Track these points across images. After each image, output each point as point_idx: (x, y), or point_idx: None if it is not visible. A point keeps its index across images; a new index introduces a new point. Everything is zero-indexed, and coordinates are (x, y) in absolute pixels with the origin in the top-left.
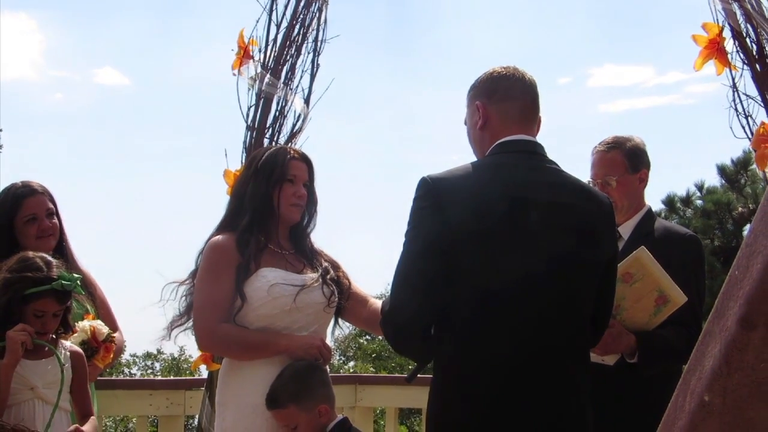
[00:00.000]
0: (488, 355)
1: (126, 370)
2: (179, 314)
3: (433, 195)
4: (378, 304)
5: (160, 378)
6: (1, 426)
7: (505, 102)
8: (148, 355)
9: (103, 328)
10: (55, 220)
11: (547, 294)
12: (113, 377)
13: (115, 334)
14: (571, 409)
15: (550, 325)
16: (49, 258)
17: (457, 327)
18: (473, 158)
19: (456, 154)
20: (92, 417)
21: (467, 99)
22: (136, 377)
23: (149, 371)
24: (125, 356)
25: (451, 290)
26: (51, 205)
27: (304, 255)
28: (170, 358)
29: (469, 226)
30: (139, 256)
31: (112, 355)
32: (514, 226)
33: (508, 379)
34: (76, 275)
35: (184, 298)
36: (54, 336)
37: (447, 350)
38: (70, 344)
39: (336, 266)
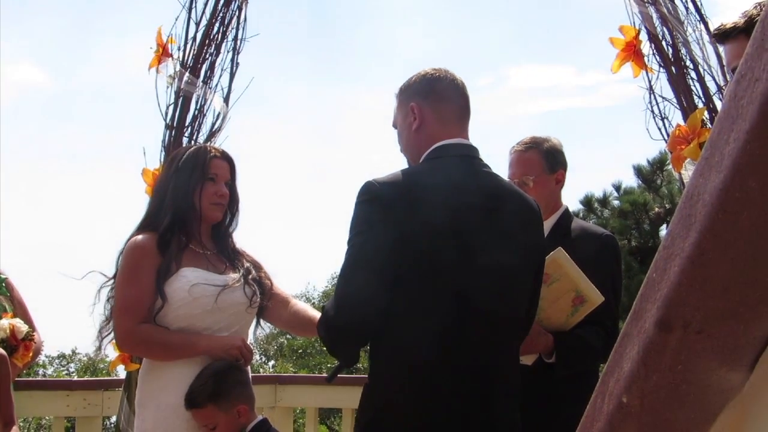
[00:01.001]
0: (466, 350)
1: (42, 371)
2: (105, 320)
3: (381, 199)
4: (299, 305)
5: (77, 378)
6: None
7: (440, 103)
8: (62, 356)
9: (22, 326)
10: None
11: (502, 298)
12: (29, 378)
13: (34, 333)
14: (508, 411)
15: (498, 327)
16: None
17: (434, 322)
18: (396, 157)
19: (377, 153)
20: (15, 426)
21: (398, 101)
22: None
23: (64, 372)
24: (40, 357)
25: (426, 286)
26: None
27: (226, 255)
28: (86, 358)
29: (425, 234)
30: (55, 256)
31: (31, 354)
32: (466, 231)
33: (483, 375)
34: (2, 276)
35: (108, 301)
36: None
37: (414, 350)
38: None
39: (258, 267)
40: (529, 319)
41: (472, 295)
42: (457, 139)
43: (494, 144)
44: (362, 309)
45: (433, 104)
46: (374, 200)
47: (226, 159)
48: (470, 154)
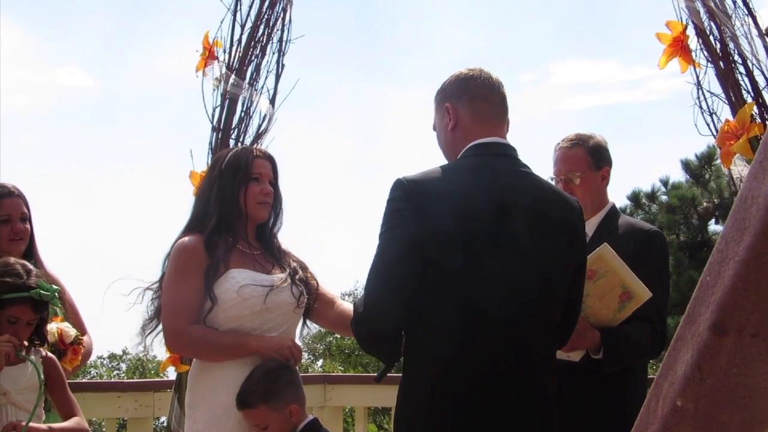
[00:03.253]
0: (472, 360)
1: (93, 371)
2: (149, 318)
3: (410, 197)
4: (344, 305)
5: (128, 380)
6: None
7: (475, 102)
8: (113, 356)
9: (71, 331)
10: (28, 225)
11: (527, 300)
12: (80, 379)
13: (83, 337)
14: (539, 411)
15: (527, 330)
16: (30, 266)
17: (441, 332)
18: (440, 158)
19: (421, 151)
20: (75, 417)
21: (435, 103)
22: (103, 379)
23: (114, 372)
24: (91, 358)
25: (436, 295)
26: (25, 210)
27: (273, 255)
28: (135, 358)
29: (453, 232)
30: (104, 258)
31: (80, 358)
32: (497, 232)
33: (487, 383)
34: (54, 287)
35: (151, 301)
36: (28, 345)
37: (428, 353)
38: (42, 350)
39: (304, 267)
40: (568, 318)
41: (512, 294)
42: (493, 137)
43: (538, 140)
44: (390, 306)
45: (468, 104)
46: (402, 198)
47: (268, 159)
48: (506, 153)
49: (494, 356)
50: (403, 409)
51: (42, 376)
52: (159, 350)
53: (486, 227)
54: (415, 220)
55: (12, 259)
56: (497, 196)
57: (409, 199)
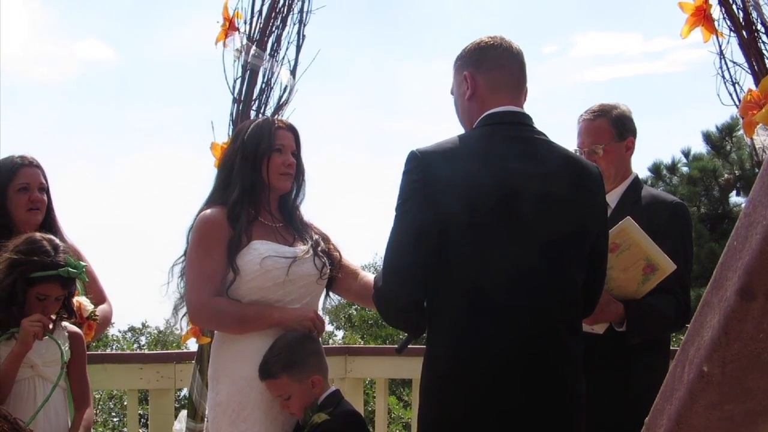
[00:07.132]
0: (483, 345)
1: (115, 344)
2: (180, 297)
3: (423, 169)
4: (368, 277)
5: (150, 351)
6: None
7: (493, 71)
8: (132, 330)
9: (89, 305)
10: (45, 196)
11: (542, 273)
12: (100, 351)
13: (98, 314)
14: (566, 380)
15: (545, 303)
16: (57, 241)
17: (450, 318)
18: (461, 128)
19: (443, 123)
20: (89, 409)
21: (454, 69)
22: (125, 351)
23: (135, 345)
24: (113, 331)
25: (443, 280)
26: (43, 180)
27: (295, 227)
28: (156, 331)
29: (462, 214)
30: (125, 230)
31: (93, 333)
32: (508, 210)
33: (501, 368)
34: (82, 263)
35: (180, 278)
36: (55, 319)
37: (439, 341)
38: (69, 325)
39: (326, 239)
40: (593, 288)
41: (525, 269)
42: (509, 106)
43: (560, 112)
44: (407, 279)
45: (486, 72)
46: (415, 170)
47: (291, 130)
48: (521, 121)
49: (503, 344)
50: (423, 401)
51: (65, 358)
52: (182, 323)
53: (496, 205)
54: (428, 197)
55: (38, 235)
56: (506, 167)
57: (422, 171)
